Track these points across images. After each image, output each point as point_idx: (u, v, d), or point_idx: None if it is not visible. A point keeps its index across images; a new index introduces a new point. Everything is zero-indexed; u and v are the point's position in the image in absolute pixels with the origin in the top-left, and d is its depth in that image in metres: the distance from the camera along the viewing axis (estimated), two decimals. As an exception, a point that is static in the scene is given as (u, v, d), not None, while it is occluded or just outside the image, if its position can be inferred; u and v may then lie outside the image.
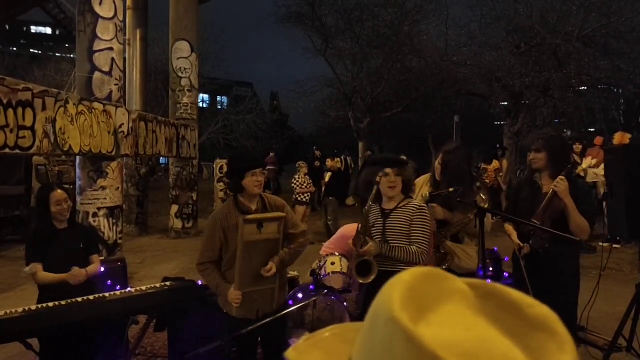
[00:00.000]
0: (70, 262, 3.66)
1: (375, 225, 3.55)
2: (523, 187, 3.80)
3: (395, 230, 3.46)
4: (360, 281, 3.32)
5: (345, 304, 5.27)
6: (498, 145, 14.98)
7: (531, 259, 3.64)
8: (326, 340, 0.63)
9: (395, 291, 0.52)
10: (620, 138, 8.46)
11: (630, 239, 5.03)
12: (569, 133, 24.10)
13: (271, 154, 21.44)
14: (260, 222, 3.40)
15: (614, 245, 4.42)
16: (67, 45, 41.59)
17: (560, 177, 3.40)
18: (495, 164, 13.38)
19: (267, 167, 16.01)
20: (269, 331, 3.45)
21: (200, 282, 4.65)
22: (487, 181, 12.36)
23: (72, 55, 29.81)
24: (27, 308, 3.30)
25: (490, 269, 4.55)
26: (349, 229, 5.69)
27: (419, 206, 3.43)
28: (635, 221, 4.03)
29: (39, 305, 3.35)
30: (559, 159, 3.49)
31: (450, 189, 3.24)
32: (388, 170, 3.43)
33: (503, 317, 0.54)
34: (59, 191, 3.68)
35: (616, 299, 5.78)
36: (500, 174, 13.25)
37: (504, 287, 0.57)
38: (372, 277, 3.23)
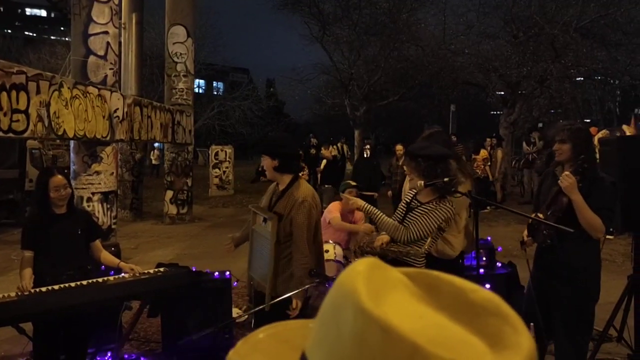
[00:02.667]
0: (68, 248, 3.65)
1: (398, 213, 3.61)
2: (547, 178, 3.73)
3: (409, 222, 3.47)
4: None
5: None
6: (494, 135, 14.99)
7: (540, 253, 3.62)
8: (262, 342, 0.62)
9: (357, 282, 0.51)
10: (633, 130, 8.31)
11: (623, 231, 5.03)
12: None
13: None
14: (264, 218, 3.48)
15: (607, 237, 4.43)
16: (62, 28, 41.24)
17: (566, 172, 3.30)
18: (483, 153, 13.42)
19: None
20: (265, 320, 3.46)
21: (194, 268, 4.66)
22: (477, 171, 12.42)
23: (66, 39, 29.55)
24: (20, 292, 3.29)
25: (484, 258, 4.56)
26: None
27: (440, 204, 3.39)
28: (629, 213, 4.04)
29: (33, 290, 3.34)
30: (583, 153, 3.32)
31: (446, 179, 3.22)
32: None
33: (447, 304, 0.53)
34: (59, 176, 3.63)
35: (608, 289, 5.79)
36: (489, 164, 13.30)
37: (443, 274, 0.55)
38: None
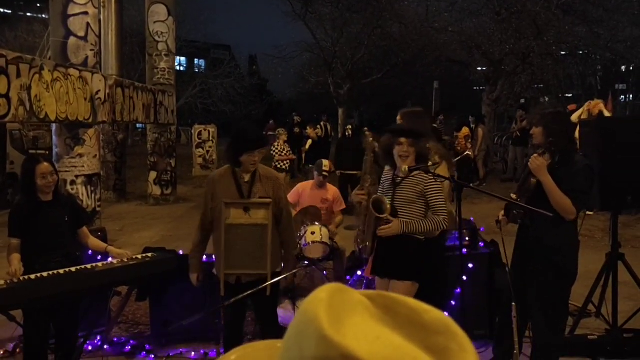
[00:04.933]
0: (55, 235, 3.65)
1: (386, 193, 3.68)
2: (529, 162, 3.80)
3: (403, 198, 3.58)
4: (377, 215, 3.51)
5: (324, 272, 5.36)
6: (472, 115, 15.06)
7: (518, 233, 3.70)
8: None
9: (319, 310, 0.54)
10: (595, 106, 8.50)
11: (601, 210, 5.15)
12: (547, 99, 24.34)
13: (271, 122, 21.10)
14: (246, 206, 3.44)
15: (587, 212, 4.53)
16: (38, 5, 40.28)
17: (535, 154, 3.39)
18: (464, 130, 13.52)
19: (268, 133, 15.88)
20: (260, 302, 3.55)
21: (181, 252, 4.69)
22: (458, 148, 12.52)
23: (44, 16, 28.91)
24: (8, 280, 3.30)
25: (467, 238, 4.64)
26: (302, 186, 5.85)
27: (432, 177, 3.52)
28: (607, 193, 4.14)
29: (22, 277, 3.34)
30: (553, 135, 3.38)
31: (430, 163, 3.29)
32: (402, 140, 3.54)
33: (403, 324, 0.57)
34: (45, 164, 3.63)
35: (586, 265, 5.94)
36: (470, 141, 13.42)
37: (399, 296, 0.60)
38: (387, 214, 3.45)
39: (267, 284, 3.25)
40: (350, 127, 11.24)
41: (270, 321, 3.67)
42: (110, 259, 3.92)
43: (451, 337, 0.56)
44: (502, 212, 3.69)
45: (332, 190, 5.85)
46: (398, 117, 4.21)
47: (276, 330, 3.59)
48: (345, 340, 0.52)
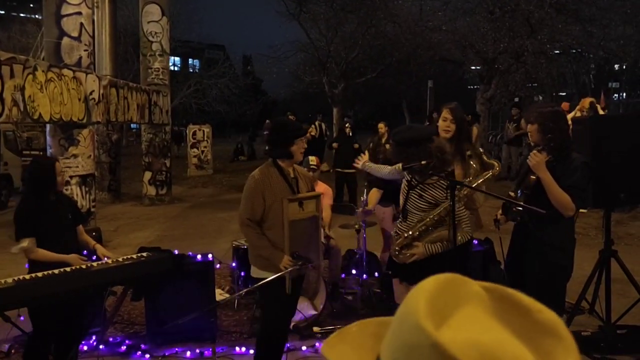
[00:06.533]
0: (62, 233, 3.70)
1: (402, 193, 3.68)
2: (526, 159, 3.81)
3: (413, 205, 3.56)
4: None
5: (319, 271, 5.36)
6: (469, 114, 15.08)
7: (515, 230, 3.71)
8: (353, 335, 0.68)
9: (420, 300, 0.57)
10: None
11: (594, 208, 5.18)
12: (540, 98, 24.42)
13: (267, 121, 21.16)
14: (301, 201, 3.56)
15: (581, 210, 4.56)
16: (31, 5, 40.13)
17: (534, 151, 3.39)
18: None
19: (264, 132, 15.91)
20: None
21: (176, 251, 4.69)
22: None
23: (37, 16, 28.81)
24: (2, 281, 3.29)
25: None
26: None
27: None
28: (599, 190, 4.16)
29: (16, 278, 3.34)
30: (551, 132, 3.40)
31: (423, 162, 3.28)
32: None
33: (514, 320, 0.58)
34: (58, 162, 3.81)
35: (580, 262, 5.96)
36: None
37: (515, 292, 0.61)
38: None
39: (268, 279, 3.26)
40: (348, 125, 11.19)
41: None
42: (105, 259, 3.92)
43: (558, 340, 0.57)
44: (500, 211, 3.70)
45: (321, 187, 5.83)
46: (445, 113, 3.98)
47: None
48: (436, 332, 0.54)
